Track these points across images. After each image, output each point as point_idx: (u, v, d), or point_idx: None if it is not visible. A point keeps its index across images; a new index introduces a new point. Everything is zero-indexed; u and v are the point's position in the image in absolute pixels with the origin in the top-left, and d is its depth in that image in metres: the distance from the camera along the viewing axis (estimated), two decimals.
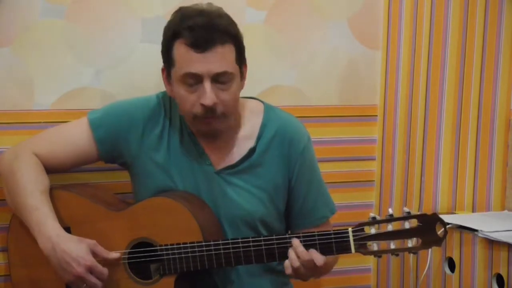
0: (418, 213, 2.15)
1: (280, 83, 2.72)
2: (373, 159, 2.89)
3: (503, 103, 2.69)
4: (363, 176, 2.88)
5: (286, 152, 2.33)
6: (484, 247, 2.43)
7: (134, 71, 2.56)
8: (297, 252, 2.13)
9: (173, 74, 2.22)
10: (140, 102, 2.36)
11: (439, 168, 2.71)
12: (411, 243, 2.11)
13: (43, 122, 2.44)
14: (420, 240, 2.11)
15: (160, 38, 2.57)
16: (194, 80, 2.18)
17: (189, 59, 2.17)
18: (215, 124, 2.22)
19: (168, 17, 2.57)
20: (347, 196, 2.82)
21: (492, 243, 2.41)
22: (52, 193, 2.29)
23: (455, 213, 2.70)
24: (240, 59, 2.23)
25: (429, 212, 2.16)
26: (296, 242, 2.14)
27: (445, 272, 2.57)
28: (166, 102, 2.34)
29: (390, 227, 2.12)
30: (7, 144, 2.42)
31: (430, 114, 2.70)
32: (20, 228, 2.27)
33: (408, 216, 2.12)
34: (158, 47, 2.57)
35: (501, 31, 2.67)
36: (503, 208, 2.71)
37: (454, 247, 2.54)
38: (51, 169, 2.33)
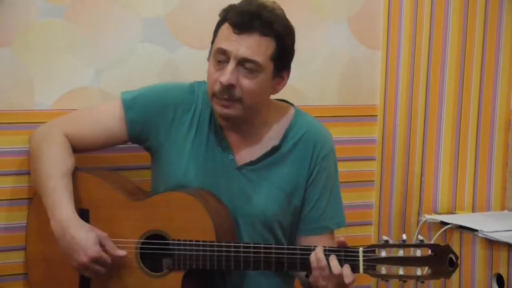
0: (432, 242, 2.11)
1: None
2: (373, 159, 2.89)
3: (503, 103, 2.70)
4: (363, 176, 2.88)
5: (308, 155, 2.33)
6: (484, 247, 2.44)
7: (134, 71, 2.56)
8: (332, 265, 2.13)
9: (212, 51, 2.25)
10: (175, 88, 2.37)
11: (439, 168, 2.71)
12: (420, 271, 2.08)
13: (43, 122, 2.44)
14: (430, 270, 2.08)
15: (160, 38, 2.58)
16: (223, 57, 2.20)
17: (226, 36, 2.20)
18: (229, 109, 2.23)
19: (168, 17, 2.58)
20: (347, 196, 2.80)
21: (492, 243, 2.41)
22: (76, 174, 2.30)
23: (455, 213, 2.71)
24: (278, 60, 2.24)
25: (442, 243, 2.14)
26: (332, 257, 2.14)
27: None
28: (200, 92, 2.34)
29: (401, 252, 2.10)
30: (7, 144, 2.42)
31: (430, 114, 2.70)
32: (41, 205, 2.28)
33: (421, 244, 2.08)
34: (158, 47, 2.58)
35: (501, 31, 2.67)
36: (503, 208, 2.71)
37: (454, 247, 2.53)
38: (81, 149, 2.35)
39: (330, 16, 2.78)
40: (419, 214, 2.71)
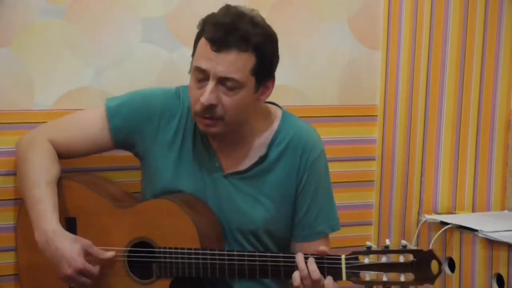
0: (415, 248, 2.10)
1: (280, 83, 2.71)
2: (373, 159, 2.89)
3: (503, 103, 2.70)
4: (363, 176, 2.88)
5: (297, 161, 2.29)
6: (484, 247, 2.44)
7: (134, 71, 2.56)
8: (310, 270, 2.11)
9: (192, 65, 2.20)
10: (159, 93, 2.34)
11: (439, 168, 2.71)
12: (404, 277, 2.08)
13: (43, 122, 2.44)
14: (413, 276, 2.07)
15: (160, 38, 2.58)
16: (203, 75, 2.15)
17: (203, 54, 2.15)
18: (212, 127, 2.20)
19: (168, 17, 2.58)
20: (347, 196, 2.82)
21: (492, 243, 2.41)
22: (62, 183, 2.29)
23: (455, 213, 2.71)
24: (260, 72, 2.18)
25: (425, 248, 2.14)
26: (309, 260, 2.12)
27: (445, 272, 2.58)
28: (185, 97, 2.30)
29: (384, 258, 2.09)
30: (7, 144, 2.42)
31: (430, 114, 2.70)
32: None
33: (404, 250, 2.08)
34: (158, 47, 2.58)
35: (501, 31, 2.67)
36: (503, 208, 2.71)
37: (454, 247, 2.54)
38: (66, 156, 2.34)
39: (330, 16, 2.78)
40: (419, 214, 2.71)
